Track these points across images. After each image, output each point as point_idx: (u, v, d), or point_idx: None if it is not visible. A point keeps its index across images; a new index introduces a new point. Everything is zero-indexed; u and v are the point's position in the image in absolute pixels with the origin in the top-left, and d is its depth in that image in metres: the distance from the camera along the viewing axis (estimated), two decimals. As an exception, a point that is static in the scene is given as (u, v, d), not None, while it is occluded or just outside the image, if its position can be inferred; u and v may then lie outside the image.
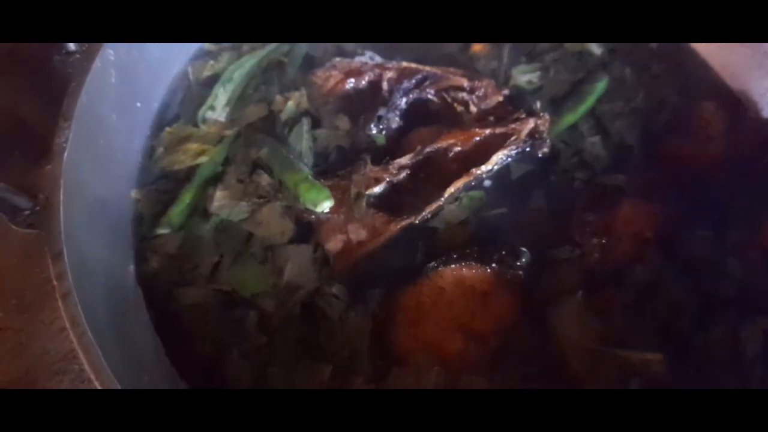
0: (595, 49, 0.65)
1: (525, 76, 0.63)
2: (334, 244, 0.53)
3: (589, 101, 0.62)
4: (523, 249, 0.52)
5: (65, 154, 0.49)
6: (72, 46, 0.53)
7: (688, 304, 0.53)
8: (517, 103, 0.60)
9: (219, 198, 0.54)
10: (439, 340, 0.51)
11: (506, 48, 0.64)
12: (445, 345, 0.51)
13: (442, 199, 0.53)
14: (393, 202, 0.54)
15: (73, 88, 0.52)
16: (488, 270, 0.51)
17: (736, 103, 0.63)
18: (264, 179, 0.56)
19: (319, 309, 0.51)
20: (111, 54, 0.54)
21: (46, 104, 0.52)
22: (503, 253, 0.52)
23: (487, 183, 0.56)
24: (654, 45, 0.66)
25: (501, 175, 0.56)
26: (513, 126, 0.56)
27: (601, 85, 0.62)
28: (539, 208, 0.56)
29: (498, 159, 0.54)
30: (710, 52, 0.65)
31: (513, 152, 0.55)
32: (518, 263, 0.51)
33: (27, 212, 0.47)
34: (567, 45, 0.65)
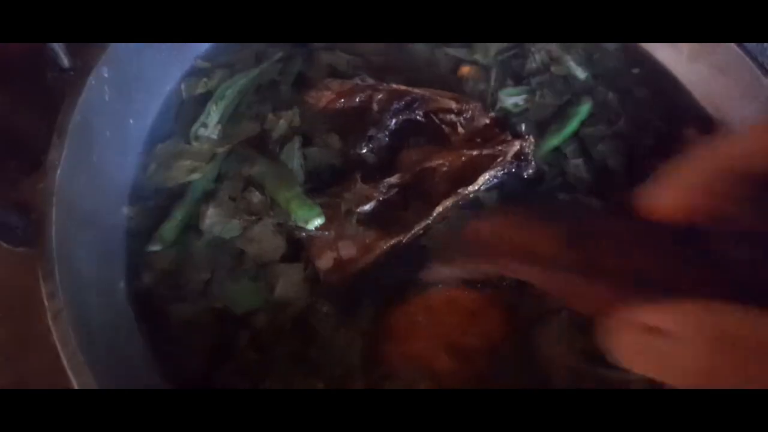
0: (580, 73, 0.67)
1: (512, 99, 0.64)
2: (324, 261, 0.54)
3: (573, 124, 0.64)
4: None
5: (58, 171, 0.50)
6: (66, 62, 0.54)
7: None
8: (503, 126, 0.62)
9: (211, 215, 0.55)
10: (429, 358, 0.52)
11: (493, 71, 0.66)
12: (434, 363, 0.52)
13: (431, 218, 0.55)
14: (383, 220, 0.56)
15: (66, 105, 0.52)
16: (474, 289, 0.53)
17: (715, 129, 0.65)
18: (256, 197, 0.57)
19: (311, 326, 0.52)
20: (105, 71, 0.55)
21: (41, 118, 0.53)
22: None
23: (475, 202, 0.58)
24: (636, 70, 0.68)
25: (488, 194, 0.58)
26: (499, 148, 0.57)
27: (584, 109, 0.65)
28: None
29: (485, 179, 0.56)
30: (692, 80, 0.68)
31: (499, 173, 0.57)
32: (504, 283, 0.53)
33: (19, 231, 0.48)
34: (553, 69, 0.67)
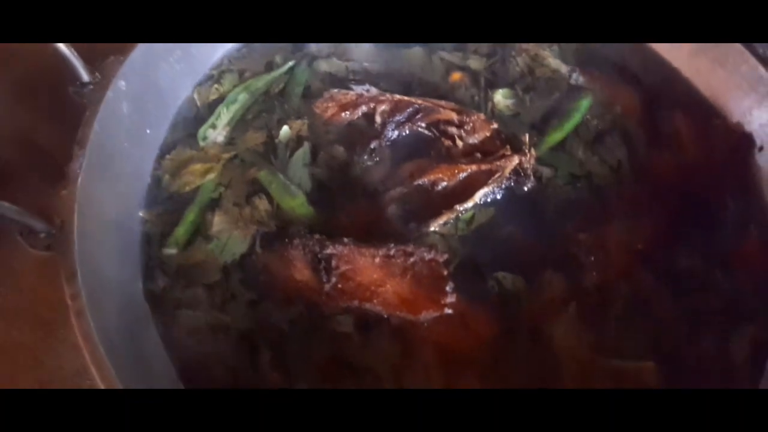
0: (563, 68, 0.69)
1: (504, 101, 0.67)
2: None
3: (575, 119, 0.66)
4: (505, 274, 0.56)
5: (80, 179, 0.53)
6: (86, 77, 0.57)
7: (677, 318, 0.56)
8: (504, 139, 0.63)
9: (217, 222, 0.58)
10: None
11: (482, 77, 0.69)
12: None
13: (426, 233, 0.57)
14: (381, 232, 0.58)
15: (87, 117, 0.56)
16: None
17: (703, 110, 0.67)
18: (262, 204, 0.60)
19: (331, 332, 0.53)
20: (123, 85, 0.58)
21: (63, 131, 0.56)
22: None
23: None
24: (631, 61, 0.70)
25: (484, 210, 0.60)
26: (498, 163, 0.59)
27: (585, 103, 0.67)
28: (527, 232, 0.59)
29: (481, 195, 0.58)
30: (692, 73, 0.69)
31: (496, 189, 0.59)
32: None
33: (43, 235, 0.52)
34: (537, 71, 0.69)
